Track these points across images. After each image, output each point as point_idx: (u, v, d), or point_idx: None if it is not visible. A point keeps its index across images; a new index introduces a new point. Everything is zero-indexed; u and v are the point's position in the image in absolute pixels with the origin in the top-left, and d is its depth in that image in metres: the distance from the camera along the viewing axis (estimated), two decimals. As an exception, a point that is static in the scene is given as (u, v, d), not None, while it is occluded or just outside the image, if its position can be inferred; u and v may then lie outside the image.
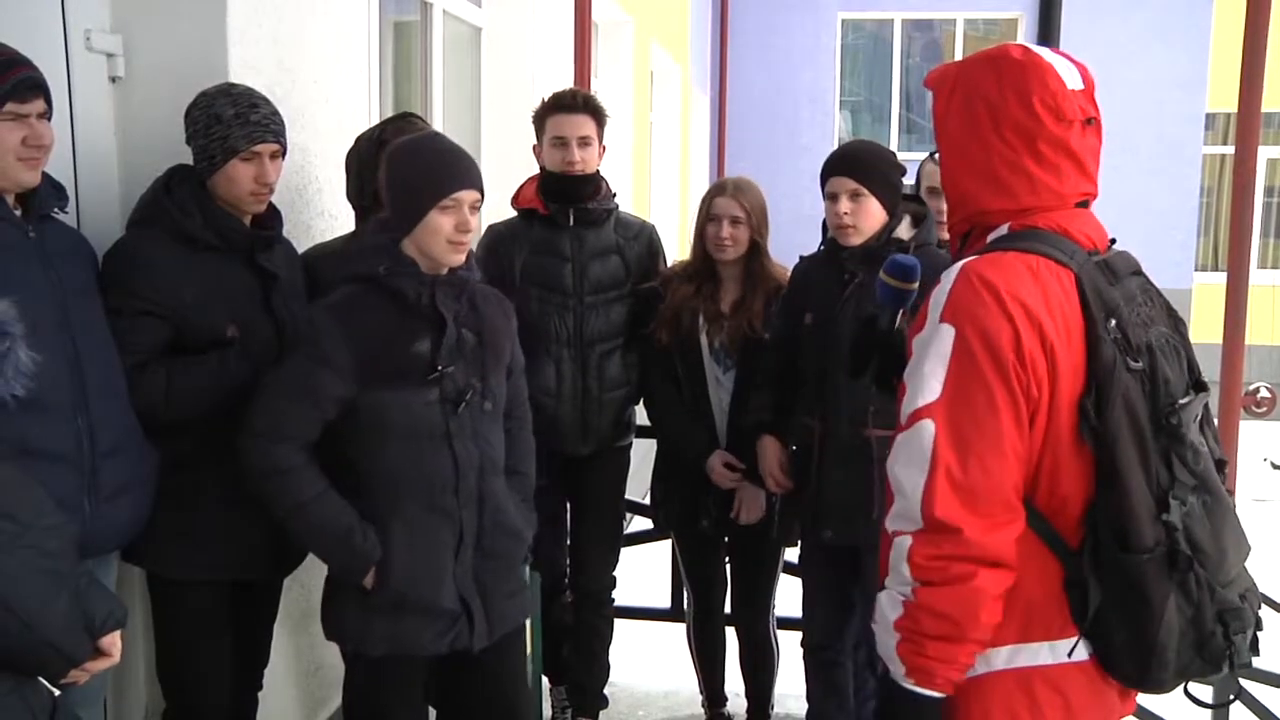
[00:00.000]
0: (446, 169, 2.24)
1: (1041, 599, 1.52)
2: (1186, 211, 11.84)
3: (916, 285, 2.02)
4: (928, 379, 1.49)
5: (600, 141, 3.23)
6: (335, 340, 2.17)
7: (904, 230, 2.86)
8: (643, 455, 3.50)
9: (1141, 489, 1.44)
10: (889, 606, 1.54)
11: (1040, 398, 1.47)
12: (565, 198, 3.22)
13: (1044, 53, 1.59)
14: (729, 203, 3.13)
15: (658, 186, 9.08)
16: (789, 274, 3.18)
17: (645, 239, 3.36)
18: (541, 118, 3.20)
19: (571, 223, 3.24)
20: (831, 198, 2.81)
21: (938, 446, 1.46)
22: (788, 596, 3.55)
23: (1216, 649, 1.48)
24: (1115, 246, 1.63)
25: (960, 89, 1.63)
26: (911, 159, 12.32)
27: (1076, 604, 1.49)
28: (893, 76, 13.18)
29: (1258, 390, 11.15)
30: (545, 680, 3.49)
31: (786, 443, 3.04)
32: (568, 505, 3.47)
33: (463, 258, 2.28)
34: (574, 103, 3.18)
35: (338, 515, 2.20)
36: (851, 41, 13.28)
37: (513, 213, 3.33)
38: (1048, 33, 12.26)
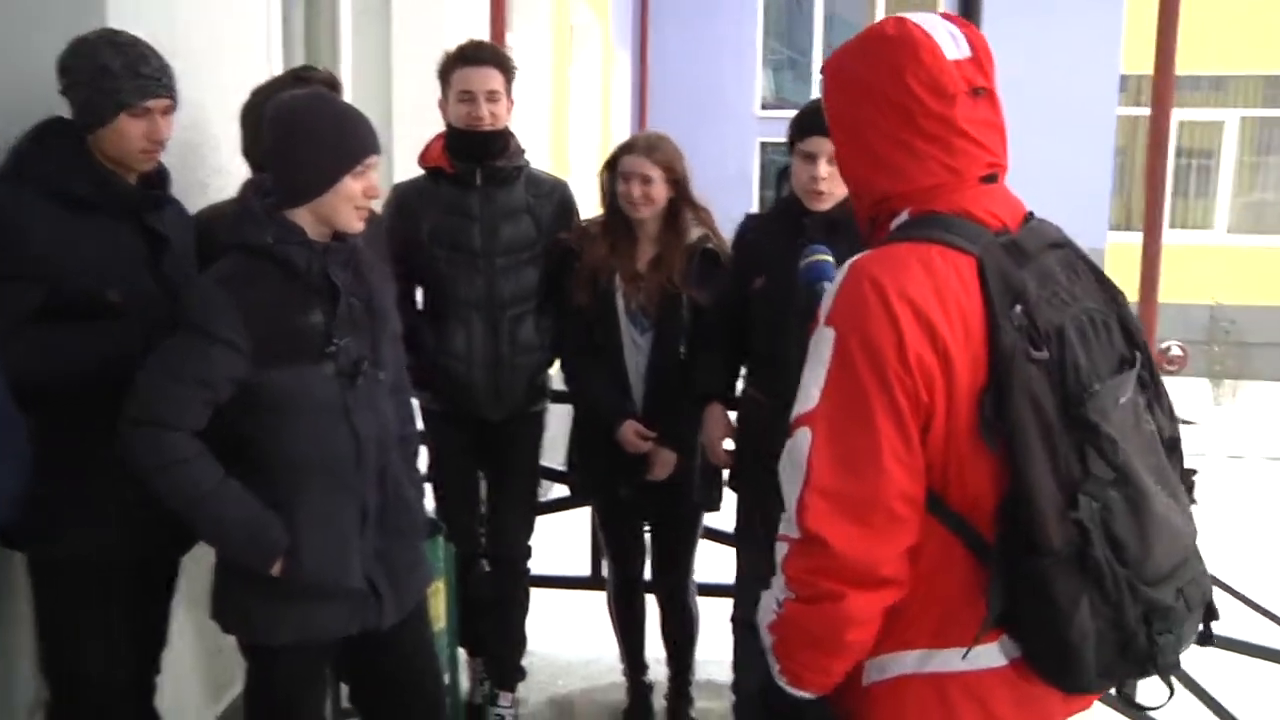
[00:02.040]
0: (356, 131, 2.13)
1: (959, 601, 1.44)
2: (1101, 172, 12.03)
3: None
4: (808, 386, 1.44)
5: (509, 96, 3.11)
6: (228, 316, 2.03)
7: None
8: (561, 420, 3.42)
9: (1048, 486, 1.35)
10: (766, 607, 1.51)
11: (933, 400, 1.39)
12: (472, 155, 3.09)
13: (922, 22, 1.49)
14: (639, 161, 3.03)
15: (577, 145, 8.92)
16: (715, 225, 3.11)
17: (557, 198, 3.25)
18: (446, 72, 3.07)
19: (479, 181, 3.12)
20: (808, 158, 2.70)
21: (812, 456, 1.40)
22: (712, 564, 3.52)
23: (1140, 650, 1.40)
24: (1034, 220, 1.55)
25: (839, 74, 1.57)
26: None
27: (990, 607, 1.41)
28: (814, 33, 13.12)
29: (1169, 348, 11.45)
30: (462, 652, 3.41)
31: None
32: (480, 474, 3.38)
33: (363, 224, 2.18)
34: (480, 55, 3.05)
35: (241, 504, 2.08)
36: (774, -2, 13.20)
37: (420, 171, 3.20)
38: (967, -8, 12.29)
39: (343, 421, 2.15)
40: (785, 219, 2.81)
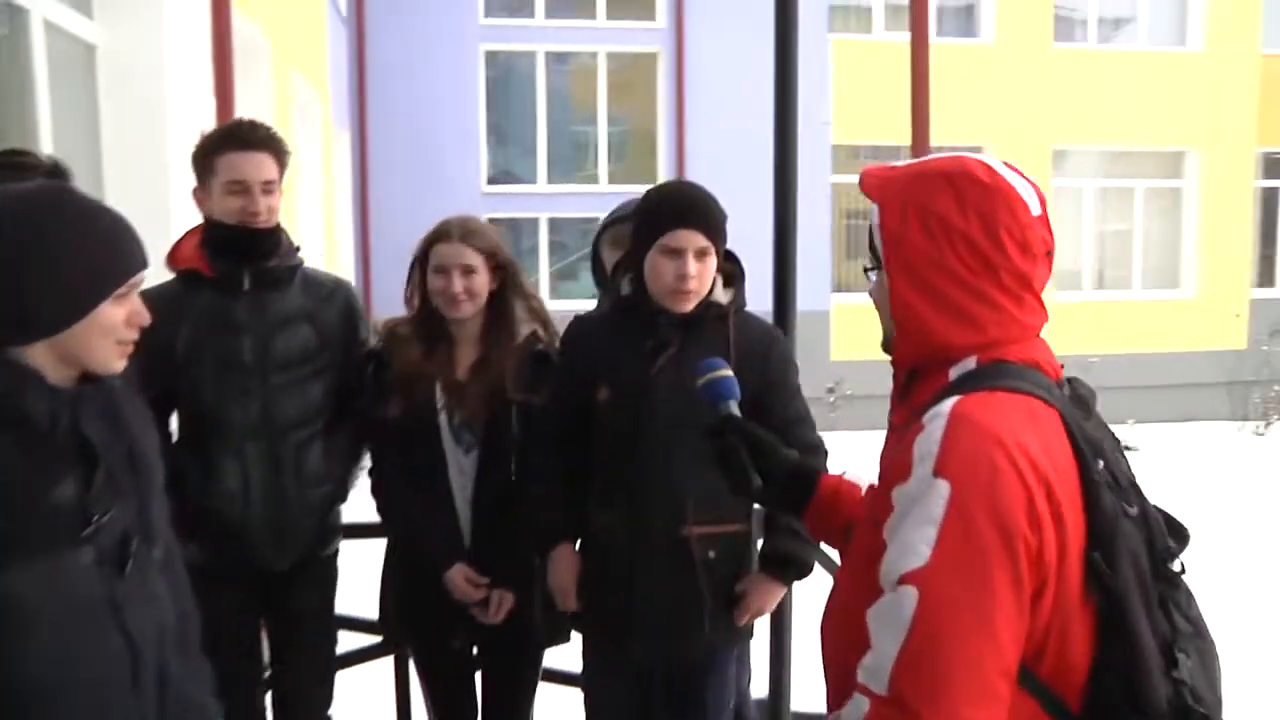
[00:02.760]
0: (118, 240, 1.62)
1: None
2: (820, 237, 12.57)
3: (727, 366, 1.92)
4: (914, 542, 1.32)
5: (281, 184, 2.63)
6: None
7: (720, 292, 2.47)
8: (356, 558, 2.90)
9: (1150, 645, 1.34)
10: None
11: (1052, 563, 1.33)
12: (240, 255, 2.58)
13: (1005, 173, 1.46)
14: (457, 249, 2.60)
15: (305, 234, 8.26)
16: (548, 317, 2.72)
17: (341, 301, 2.76)
18: (209, 156, 2.54)
19: (248, 286, 2.60)
20: (673, 254, 2.33)
21: (918, 619, 1.30)
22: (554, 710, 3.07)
23: None
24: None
25: (920, 209, 1.46)
26: (560, 191, 12.17)
27: None
28: (538, 109, 13.05)
29: None
30: None
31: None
32: (264, 633, 2.80)
33: (125, 362, 1.66)
34: (254, 138, 2.54)
35: None
36: (495, 74, 13.03)
37: (166, 275, 2.64)
38: (682, 70, 12.67)
39: (110, 624, 1.59)
40: (630, 320, 2.45)
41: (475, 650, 2.78)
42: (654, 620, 2.39)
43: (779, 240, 2.97)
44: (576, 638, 2.67)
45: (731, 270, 2.51)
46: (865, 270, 1.64)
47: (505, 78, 13.18)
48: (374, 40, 12.07)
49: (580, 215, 13.11)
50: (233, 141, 2.54)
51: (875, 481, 1.92)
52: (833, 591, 1.63)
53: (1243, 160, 14.08)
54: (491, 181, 12.86)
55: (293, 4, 7.90)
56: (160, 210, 2.50)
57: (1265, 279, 15.00)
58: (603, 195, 13.14)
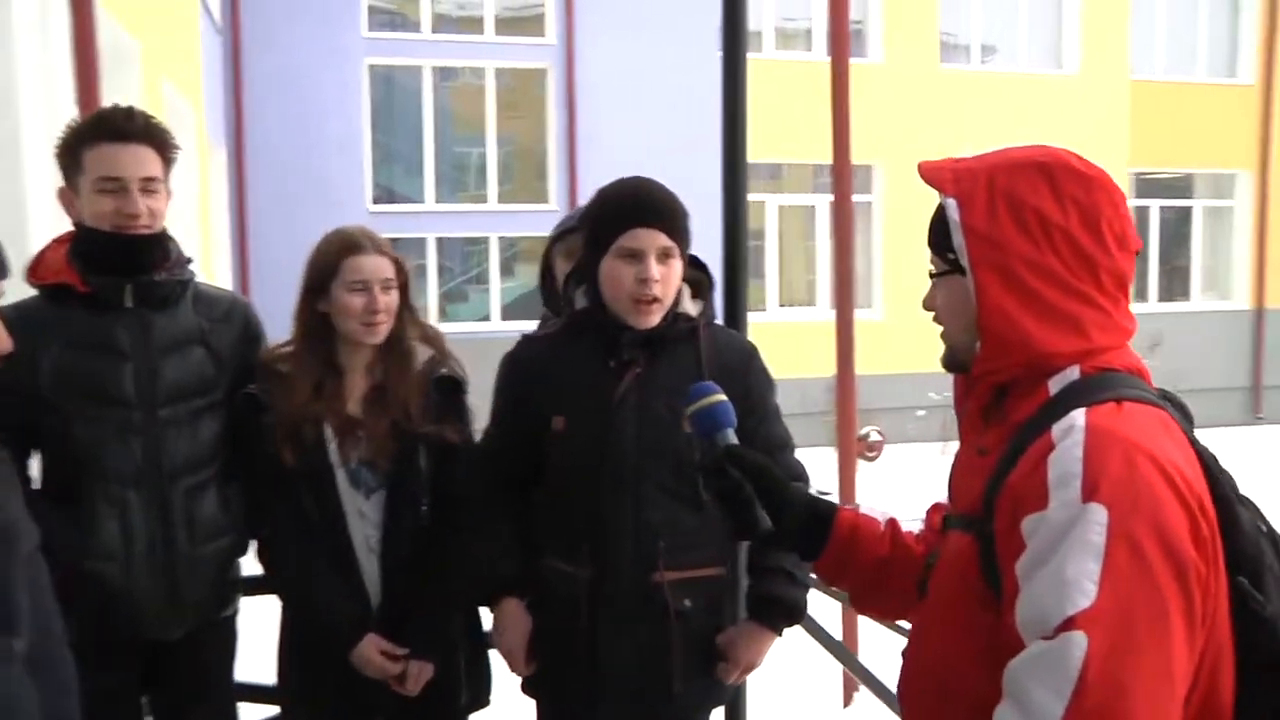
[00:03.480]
0: None
1: None
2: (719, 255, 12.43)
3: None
4: (1077, 580, 1.16)
5: (167, 184, 2.24)
6: None
7: (688, 303, 2.18)
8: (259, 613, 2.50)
9: None
10: None
11: (1219, 593, 1.20)
12: (120, 267, 2.19)
13: (1095, 165, 1.35)
14: (376, 262, 2.26)
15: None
16: (444, 344, 2.39)
17: (240, 321, 2.39)
18: (76, 149, 2.15)
19: (130, 303, 2.21)
20: (632, 257, 2.05)
21: (1091, 670, 1.14)
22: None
23: None
24: None
25: (1004, 200, 1.32)
26: (449, 210, 11.77)
27: None
28: (424, 126, 12.61)
29: (869, 435, 11.81)
30: None
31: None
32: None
33: None
34: (130, 128, 2.16)
35: None
36: (380, 90, 12.55)
37: (28, 291, 2.22)
38: (572, 86, 12.43)
39: None
40: (586, 339, 2.14)
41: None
42: (622, 681, 2.08)
43: (729, 256, 2.82)
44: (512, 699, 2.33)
45: (699, 279, 2.23)
46: (932, 275, 1.40)
47: (390, 93, 12.72)
48: (251, 52, 11.48)
49: (469, 234, 12.73)
50: (105, 131, 2.15)
51: (922, 517, 1.68)
52: (914, 645, 1.44)
53: (1115, 180, 14.54)
54: (377, 201, 12.37)
55: (163, 8, 7.37)
56: (13, 214, 2.09)
57: (1140, 295, 15.49)
58: (493, 214, 12.79)
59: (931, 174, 1.38)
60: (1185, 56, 15.49)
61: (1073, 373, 1.32)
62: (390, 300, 2.27)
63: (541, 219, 13.26)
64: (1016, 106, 13.78)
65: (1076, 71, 14.40)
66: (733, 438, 1.66)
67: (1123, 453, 1.20)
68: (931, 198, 1.39)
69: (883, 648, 3.43)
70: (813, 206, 13.89)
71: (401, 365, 2.32)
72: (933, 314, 1.45)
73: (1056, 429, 1.24)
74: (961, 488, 1.43)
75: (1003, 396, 1.37)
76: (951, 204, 1.35)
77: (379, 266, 2.26)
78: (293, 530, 2.28)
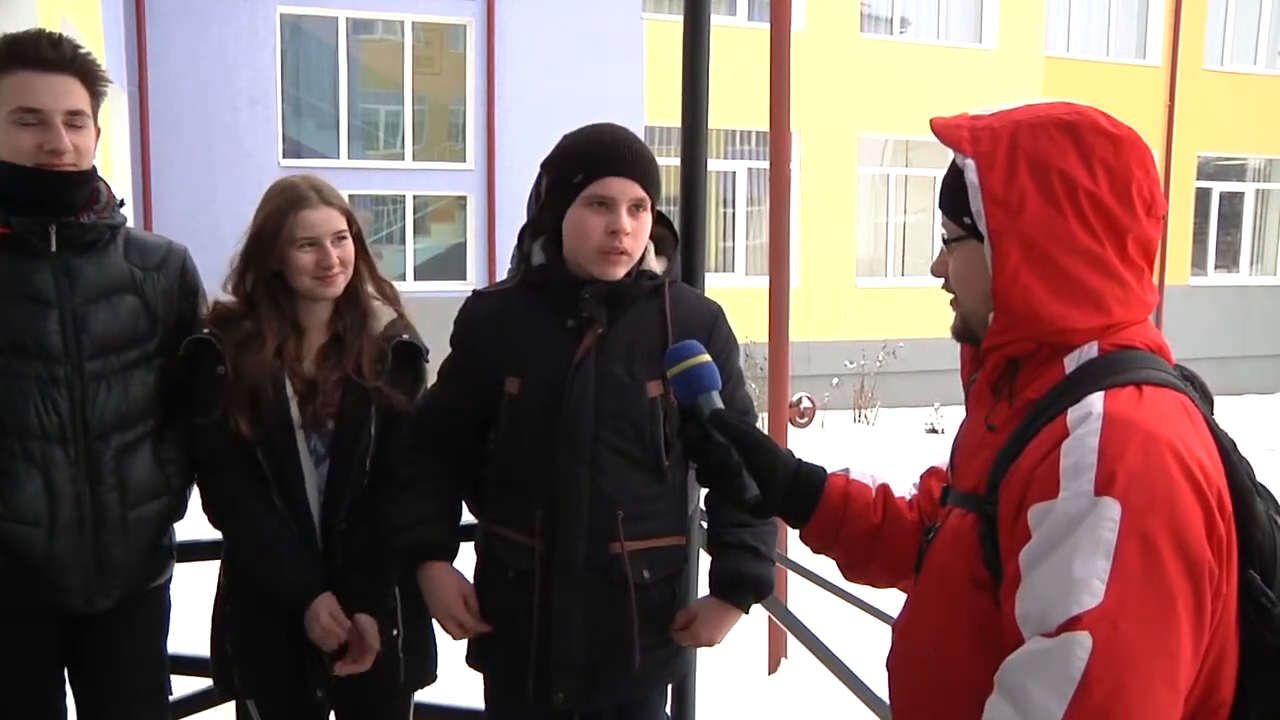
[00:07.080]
0: None
1: None
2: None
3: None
4: (1084, 578, 1.11)
5: (96, 120, 2.07)
6: None
7: (653, 260, 2.07)
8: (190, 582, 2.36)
9: None
10: None
11: (1229, 590, 1.16)
12: (43, 207, 2.01)
13: (1124, 123, 1.26)
14: (327, 215, 2.15)
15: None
16: (403, 306, 2.29)
17: (176, 268, 2.23)
18: None
19: (55, 247, 2.03)
20: (602, 205, 1.92)
21: (1095, 672, 1.09)
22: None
23: None
24: None
25: (1027, 162, 1.23)
26: (363, 167, 11.47)
27: None
28: (339, 80, 12.21)
29: (800, 400, 11.81)
30: None
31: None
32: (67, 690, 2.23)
33: None
34: (53, 56, 1.99)
35: None
36: (292, 40, 12.10)
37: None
38: (492, 42, 12.15)
39: None
40: (543, 295, 2.01)
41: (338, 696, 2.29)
42: (576, 657, 1.99)
43: (686, 219, 2.73)
44: (456, 674, 2.24)
45: (664, 235, 2.13)
46: (945, 241, 1.33)
47: (301, 44, 12.27)
48: (153, -9, 10.95)
49: (383, 192, 12.40)
50: (23, 59, 1.97)
51: (917, 480, 1.62)
52: (908, 623, 1.36)
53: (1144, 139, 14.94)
54: (287, 155, 11.96)
55: (64, -60, 6.95)
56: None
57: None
58: (408, 172, 12.47)
59: (947, 132, 1.28)
60: (1098, 36, 15.87)
61: (1091, 349, 1.24)
62: (344, 252, 2.16)
63: (457, 178, 12.99)
64: (936, 79, 13.93)
65: (995, 46, 14.60)
66: (718, 401, 1.59)
67: (1141, 445, 1.13)
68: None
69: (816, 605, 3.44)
70: (732, 173, 13.88)
71: (357, 318, 2.22)
72: (941, 281, 1.37)
73: (1072, 414, 1.18)
74: (966, 462, 1.36)
75: (1014, 369, 1.29)
76: (970, 165, 1.25)
77: (328, 219, 2.14)
78: (247, 487, 2.16)
